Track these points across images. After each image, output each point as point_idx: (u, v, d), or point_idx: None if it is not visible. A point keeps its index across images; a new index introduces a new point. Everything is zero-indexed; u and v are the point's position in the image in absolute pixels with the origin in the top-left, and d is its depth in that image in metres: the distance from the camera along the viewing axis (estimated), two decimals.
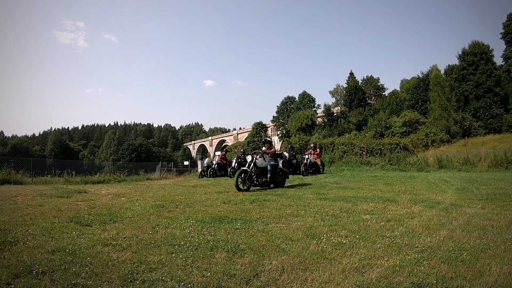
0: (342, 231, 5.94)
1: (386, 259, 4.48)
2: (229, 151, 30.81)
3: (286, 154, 17.50)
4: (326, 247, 4.95)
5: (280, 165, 14.49)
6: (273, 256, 4.58)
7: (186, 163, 58.77)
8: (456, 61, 51.58)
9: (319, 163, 23.54)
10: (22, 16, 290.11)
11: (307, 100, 69.76)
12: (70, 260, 4.39)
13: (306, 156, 22.66)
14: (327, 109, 67.38)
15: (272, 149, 14.69)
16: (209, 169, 25.04)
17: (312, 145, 25.13)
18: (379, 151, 30.38)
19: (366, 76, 74.81)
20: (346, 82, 72.05)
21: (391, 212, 7.76)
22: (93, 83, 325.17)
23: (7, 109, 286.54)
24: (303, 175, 20.51)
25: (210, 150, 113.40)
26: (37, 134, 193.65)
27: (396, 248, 4.95)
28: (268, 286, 3.60)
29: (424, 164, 25.38)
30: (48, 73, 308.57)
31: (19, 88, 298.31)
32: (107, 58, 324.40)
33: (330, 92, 79.74)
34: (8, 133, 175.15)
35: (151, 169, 33.77)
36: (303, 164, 21.99)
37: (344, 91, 71.04)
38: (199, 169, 35.77)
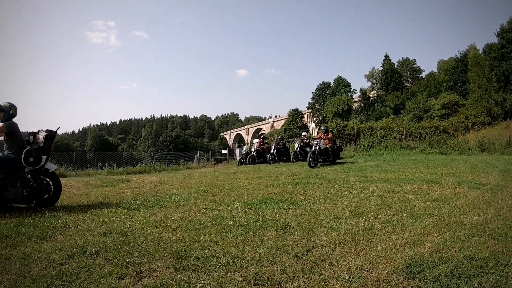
0: (388, 210, 5.91)
1: (435, 235, 4.44)
2: (267, 138, 30.75)
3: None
4: (375, 225, 4.94)
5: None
6: (324, 233, 4.59)
7: (224, 151, 59.03)
8: (494, 39, 49.52)
9: (331, 149, 19.65)
10: (56, 21, 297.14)
11: (342, 85, 68.78)
12: (122, 240, 4.49)
13: (315, 142, 19.04)
14: (363, 93, 66.28)
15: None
16: (248, 156, 25.11)
17: (323, 128, 21.10)
18: (418, 135, 29.72)
19: (402, 58, 72.95)
20: (381, 65, 70.21)
21: (436, 193, 7.65)
22: (127, 79, 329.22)
23: (48, 109, 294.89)
24: (310, 166, 16.99)
25: (247, 138, 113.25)
26: (76, 131, 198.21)
27: (444, 225, 4.90)
28: (321, 260, 3.61)
29: (465, 147, 24.79)
30: (83, 73, 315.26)
31: (58, 89, 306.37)
32: (139, 54, 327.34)
33: (365, 76, 78.70)
34: None
35: (189, 159, 34.05)
36: (310, 152, 18.00)
37: (380, 75, 69.47)
38: (238, 157, 35.92)
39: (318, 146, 17.93)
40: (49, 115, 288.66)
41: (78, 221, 5.86)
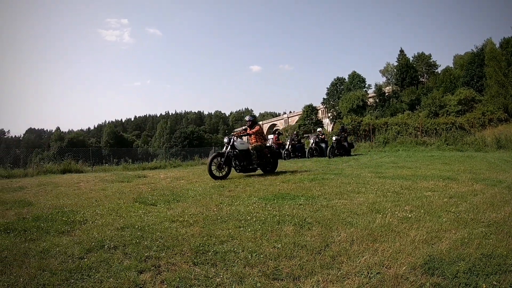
0: (406, 206, 5.90)
1: (453, 232, 4.42)
2: (281, 134, 30.70)
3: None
4: (392, 221, 4.93)
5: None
6: (341, 228, 4.59)
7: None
8: (511, 33, 48.93)
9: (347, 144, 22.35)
10: (69, 20, 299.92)
11: (357, 80, 67.93)
12: (140, 235, 4.54)
13: (334, 138, 21.66)
14: (378, 89, 65.39)
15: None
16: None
17: (341, 126, 23.46)
18: (434, 131, 29.48)
19: (417, 53, 71.77)
20: (396, 60, 69.46)
21: (453, 190, 7.60)
22: (141, 76, 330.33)
23: (63, 106, 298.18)
24: (329, 157, 19.16)
25: None
26: (92, 128, 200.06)
27: (462, 223, 4.86)
28: (339, 256, 3.62)
29: (482, 144, 24.56)
30: (98, 70, 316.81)
31: (73, 87, 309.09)
32: (153, 51, 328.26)
33: (380, 71, 77.97)
34: (64, 129, 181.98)
35: (204, 155, 34.15)
36: (330, 147, 20.74)
37: (395, 70, 68.65)
38: None
39: (336, 141, 20.54)
40: (64, 112, 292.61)
41: (96, 215, 5.93)
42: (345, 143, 21.99)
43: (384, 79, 75.50)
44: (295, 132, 29.62)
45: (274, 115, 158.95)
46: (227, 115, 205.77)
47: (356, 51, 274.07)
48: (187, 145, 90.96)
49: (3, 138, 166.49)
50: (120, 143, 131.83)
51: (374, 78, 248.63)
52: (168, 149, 47.99)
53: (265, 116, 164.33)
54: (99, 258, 3.74)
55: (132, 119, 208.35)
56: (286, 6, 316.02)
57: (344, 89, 68.88)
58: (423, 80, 68.19)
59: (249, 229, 4.67)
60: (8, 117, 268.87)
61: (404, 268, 3.29)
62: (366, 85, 67.78)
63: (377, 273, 3.21)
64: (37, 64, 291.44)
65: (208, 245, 4.04)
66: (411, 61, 67.52)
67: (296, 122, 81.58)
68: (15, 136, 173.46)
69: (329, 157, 19.44)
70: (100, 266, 3.52)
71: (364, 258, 3.54)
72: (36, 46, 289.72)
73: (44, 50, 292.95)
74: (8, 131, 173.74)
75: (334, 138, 21.85)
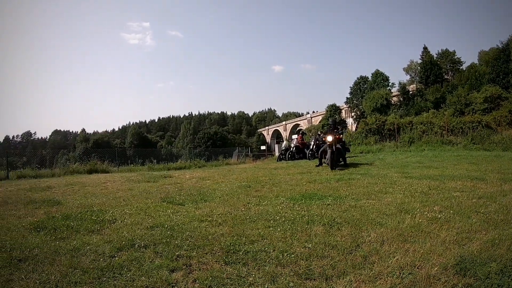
0: (434, 207, 5.83)
1: (483, 233, 4.36)
2: (305, 134, 30.80)
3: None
4: (421, 221, 4.88)
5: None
6: (371, 229, 4.58)
7: (263, 147, 59.16)
8: None
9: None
10: (93, 24, 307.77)
11: (380, 79, 66.98)
12: (170, 234, 4.59)
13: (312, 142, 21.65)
14: (402, 87, 64.56)
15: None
16: (287, 152, 25.17)
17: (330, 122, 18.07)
18: (460, 130, 28.93)
19: (441, 50, 70.33)
20: (420, 57, 68.26)
21: (481, 190, 7.49)
22: (164, 78, 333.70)
23: (88, 108, 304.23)
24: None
25: (284, 134, 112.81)
26: (116, 129, 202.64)
27: (492, 223, 4.80)
28: (371, 256, 3.61)
29: (509, 143, 23.97)
30: (122, 73, 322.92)
31: (98, 89, 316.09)
32: (175, 53, 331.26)
33: (404, 69, 76.47)
34: (89, 130, 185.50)
35: (228, 155, 34.24)
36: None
37: (419, 67, 67.52)
38: (277, 153, 35.97)
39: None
40: (89, 114, 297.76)
41: (125, 215, 6.02)
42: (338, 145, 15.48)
43: (408, 77, 74.20)
44: (319, 132, 29.53)
45: (297, 115, 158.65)
46: (250, 115, 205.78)
47: (379, 49, 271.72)
48: (211, 145, 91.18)
49: (30, 139, 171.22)
50: (144, 144, 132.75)
51: (397, 76, 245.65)
52: (192, 150, 48.23)
53: (288, 116, 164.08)
54: (130, 256, 3.79)
55: (156, 120, 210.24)
56: (307, 5, 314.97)
57: (368, 88, 68.10)
58: (448, 77, 66.85)
59: (278, 229, 4.68)
60: (35, 119, 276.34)
61: (435, 268, 3.27)
62: (390, 84, 66.90)
63: (409, 274, 3.20)
64: (63, 68, 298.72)
65: (239, 245, 4.06)
66: (435, 58, 66.32)
67: (320, 122, 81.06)
68: (42, 137, 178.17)
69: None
70: (131, 265, 3.56)
71: (395, 258, 3.52)
72: (63, 51, 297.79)
73: (70, 55, 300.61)
74: (35, 133, 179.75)
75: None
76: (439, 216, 5.20)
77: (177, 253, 3.84)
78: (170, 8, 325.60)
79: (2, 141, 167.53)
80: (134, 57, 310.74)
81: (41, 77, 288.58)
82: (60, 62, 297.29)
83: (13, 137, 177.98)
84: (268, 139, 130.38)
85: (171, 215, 5.90)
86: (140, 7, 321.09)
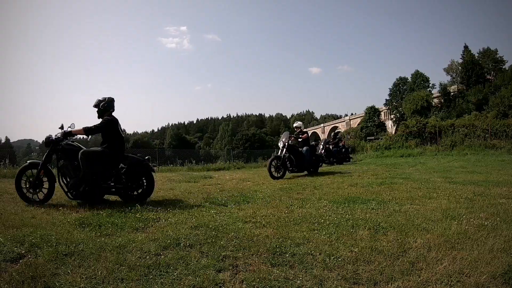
0: (480, 214, 5.70)
1: None
2: (344, 137, 30.72)
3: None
4: (468, 228, 4.79)
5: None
6: (417, 234, 4.51)
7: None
8: None
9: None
10: (132, 31, 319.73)
11: (420, 80, 65.43)
12: (215, 234, 4.61)
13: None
14: (443, 88, 63.02)
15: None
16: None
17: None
18: (504, 133, 28.17)
19: (483, 49, 68.56)
20: (460, 57, 66.56)
21: None
22: (202, 80, 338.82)
23: (128, 109, 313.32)
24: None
25: (322, 137, 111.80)
26: (155, 130, 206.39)
27: None
28: (418, 262, 3.56)
29: None
30: (161, 76, 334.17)
31: (139, 92, 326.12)
32: (212, 56, 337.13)
33: (444, 69, 74.60)
34: (129, 131, 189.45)
35: (267, 157, 34.18)
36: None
37: (460, 67, 66.10)
38: None
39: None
40: (130, 115, 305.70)
41: (168, 213, 6.08)
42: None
43: (449, 77, 72.38)
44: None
45: (335, 117, 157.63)
46: (288, 117, 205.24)
47: (419, 49, 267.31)
48: (249, 147, 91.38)
49: (72, 139, 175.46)
50: (183, 145, 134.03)
51: (438, 77, 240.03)
52: (230, 151, 48.48)
53: (326, 118, 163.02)
54: (175, 255, 3.82)
55: (195, 122, 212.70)
56: (344, 6, 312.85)
57: (407, 89, 66.88)
58: (490, 77, 64.75)
59: (323, 232, 4.67)
60: (76, 119, 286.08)
61: (484, 277, 3.21)
62: (430, 85, 65.48)
63: (457, 281, 3.15)
64: (107, 72, 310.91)
65: (285, 247, 4.06)
66: (476, 57, 64.50)
67: (358, 124, 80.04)
68: (83, 137, 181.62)
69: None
70: (177, 264, 3.59)
71: (443, 265, 3.47)
72: (105, 56, 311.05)
73: (111, 60, 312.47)
74: None
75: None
76: (485, 223, 5.08)
77: (223, 254, 3.86)
78: (207, 12, 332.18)
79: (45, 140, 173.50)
80: (172, 60, 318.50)
81: (85, 80, 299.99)
82: (105, 67, 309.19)
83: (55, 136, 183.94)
84: None
85: (214, 215, 5.94)
86: (177, 12, 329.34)
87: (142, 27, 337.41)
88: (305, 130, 15.36)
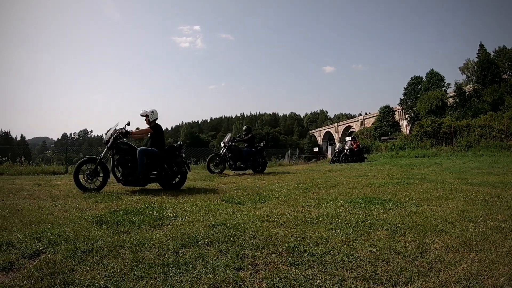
0: (498, 216, 5.66)
1: None
2: (358, 136, 30.90)
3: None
4: (485, 230, 4.76)
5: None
6: (435, 235, 4.51)
7: (315, 149, 58.74)
8: None
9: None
10: (146, 32, 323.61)
11: (435, 79, 64.85)
12: (233, 233, 4.63)
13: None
14: (458, 87, 62.32)
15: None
16: (341, 155, 25.41)
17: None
18: None
19: (498, 47, 67.44)
20: (476, 56, 65.80)
21: None
22: (216, 79, 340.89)
23: (142, 108, 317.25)
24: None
25: (336, 136, 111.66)
26: (169, 129, 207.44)
27: None
28: (436, 263, 3.57)
29: None
30: (175, 75, 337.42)
31: (152, 91, 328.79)
32: (226, 55, 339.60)
33: (459, 68, 73.59)
34: None
35: (280, 156, 34.21)
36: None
37: (475, 67, 65.49)
38: (329, 155, 35.90)
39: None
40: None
41: (185, 212, 6.12)
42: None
43: (464, 77, 71.38)
44: (352, 136, 30.58)
45: (349, 116, 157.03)
46: (301, 116, 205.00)
47: (434, 48, 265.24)
48: (263, 146, 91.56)
49: (86, 137, 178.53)
50: (196, 143, 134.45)
51: (453, 76, 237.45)
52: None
53: (340, 117, 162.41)
54: (194, 253, 3.84)
55: (208, 121, 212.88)
56: (357, 5, 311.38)
57: (422, 89, 66.29)
58: (506, 77, 63.78)
59: (341, 232, 4.67)
60: (92, 118, 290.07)
61: (502, 279, 3.20)
62: (445, 84, 64.90)
63: (476, 283, 3.15)
64: (122, 71, 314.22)
65: (303, 246, 4.07)
66: (492, 56, 63.66)
67: (372, 124, 79.71)
68: (98, 135, 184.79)
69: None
70: (196, 262, 3.61)
71: (461, 267, 3.47)
72: (120, 55, 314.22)
73: (127, 59, 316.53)
74: (91, 131, 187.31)
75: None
76: (503, 225, 5.05)
77: (241, 252, 3.88)
78: (220, 11, 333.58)
79: (60, 137, 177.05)
80: (186, 59, 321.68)
81: (100, 80, 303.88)
82: (118, 65, 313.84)
83: (70, 134, 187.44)
84: (319, 140, 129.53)
85: (231, 214, 5.96)
86: (190, 11, 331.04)
87: (156, 27, 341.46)
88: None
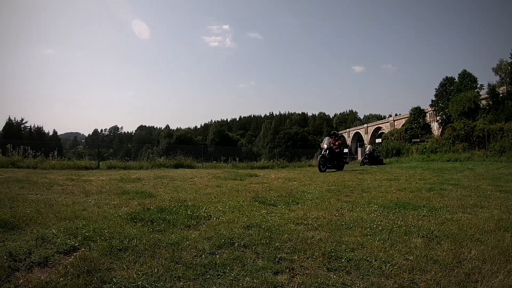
0: None
1: None
2: (388, 138, 31.01)
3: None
4: None
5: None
6: (471, 245, 4.45)
7: (345, 150, 58.57)
8: None
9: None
10: (176, 30, 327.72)
11: (468, 80, 63.32)
12: (268, 235, 4.64)
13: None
14: (492, 89, 60.59)
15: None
16: (371, 157, 25.79)
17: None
18: None
19: None
20: (510, 56, 63.73)
21: None
22: (245, 78, 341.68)
23: (172, 106, 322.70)
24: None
25: (366, 138, 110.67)
26: (198, 126, 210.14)
27: None
28: (473, 274, 3.53)
29: None
30: (205, 75, 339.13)
31: (183, 90, 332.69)
32: (255, 54, 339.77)
33: (493, 69, 72.02)
34: (173, 126, 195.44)
35: (308, 156, 34.11)
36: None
37: (509, 67, 63.45)
38: (359, 157, 35.85)
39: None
40: (173, 112, 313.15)
41: (218, 212, 6.17)
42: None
43: (498, 78, 69.54)
44: (374, 144, 33.08)
45: (379, 117, 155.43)
46: (331, 116, 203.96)
47: (466, 48, 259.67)
48: (291, 145, 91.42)
49: (117, 133, 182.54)
50: (225, 142, 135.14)
51: (486, 77, 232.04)
52: (272, 149, 48.62)
53: (370, 118, 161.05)
54: (231, 255, 3.84)
55: (237, 119, 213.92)
56: (389, 4, 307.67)
57: (454, 90, 64.98)
58: None
59: (377, 238, 4.66)
60: (122, 115, 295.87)
61: None
62: (478, 85, 63.42)
63: None
64: (153, 69, 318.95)
65: (339, 251, 4.07)
66: None
67: (403, 125, 78.52)
68: (127, 132, 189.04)
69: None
70: (234, 264, 3.62)
71: (498, 278, 3.44)
72: (151, 53, 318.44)
73: (157, 57, 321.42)
74: (122, 127, 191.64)
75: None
76: None
77: (278, 256, 3.88)
78: (248, 10, 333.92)
79: (91, 133, 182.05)
80: (216, 58, 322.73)
81: (130, 78, 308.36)
82: (148, 64, 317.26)
83: (101, 130, 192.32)
84: (348, 141, 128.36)
85: (265, 215, 5.98)
86: (219, 10, 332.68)
87: (185, 26, 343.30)
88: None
